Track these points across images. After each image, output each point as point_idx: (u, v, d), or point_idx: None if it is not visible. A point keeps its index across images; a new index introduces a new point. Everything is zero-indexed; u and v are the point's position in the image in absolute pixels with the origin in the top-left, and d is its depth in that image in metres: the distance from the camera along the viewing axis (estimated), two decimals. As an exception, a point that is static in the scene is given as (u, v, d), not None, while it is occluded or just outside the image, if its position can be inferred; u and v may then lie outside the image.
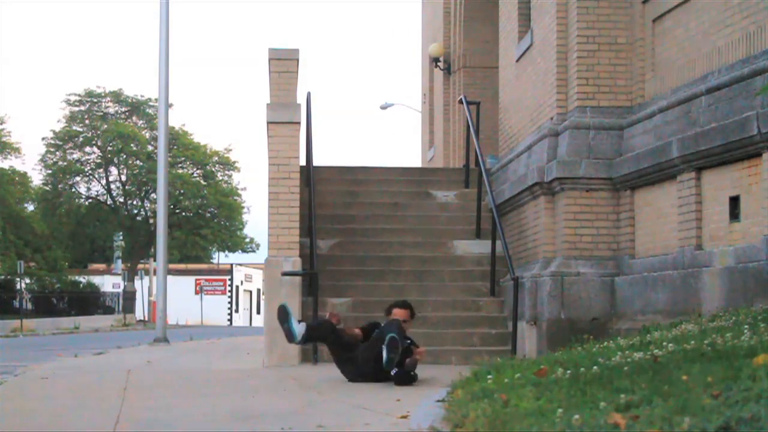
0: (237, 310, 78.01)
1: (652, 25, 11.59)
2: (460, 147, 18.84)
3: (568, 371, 6.27)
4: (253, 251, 69.74)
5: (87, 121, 64.23)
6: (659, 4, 11.44)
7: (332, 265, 13.87)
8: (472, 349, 12.40)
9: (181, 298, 65.42)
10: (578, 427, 4.19)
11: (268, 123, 13.00)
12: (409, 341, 9.59)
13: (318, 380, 9.82)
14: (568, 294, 11.54)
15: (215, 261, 78.82)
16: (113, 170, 64.94)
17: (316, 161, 15.05)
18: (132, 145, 63.31)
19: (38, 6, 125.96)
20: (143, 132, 64.80)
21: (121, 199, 65.46)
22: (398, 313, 9.82)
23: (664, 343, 7.14)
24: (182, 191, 63.30)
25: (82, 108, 64.41)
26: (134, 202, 66.12)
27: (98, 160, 64.50)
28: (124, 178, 65.03)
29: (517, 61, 14.44)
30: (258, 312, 77.22)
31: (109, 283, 68.51)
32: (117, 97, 65.14)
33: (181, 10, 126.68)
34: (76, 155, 64.38)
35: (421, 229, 14.83)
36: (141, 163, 63.69)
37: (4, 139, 56.93)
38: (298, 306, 12.46)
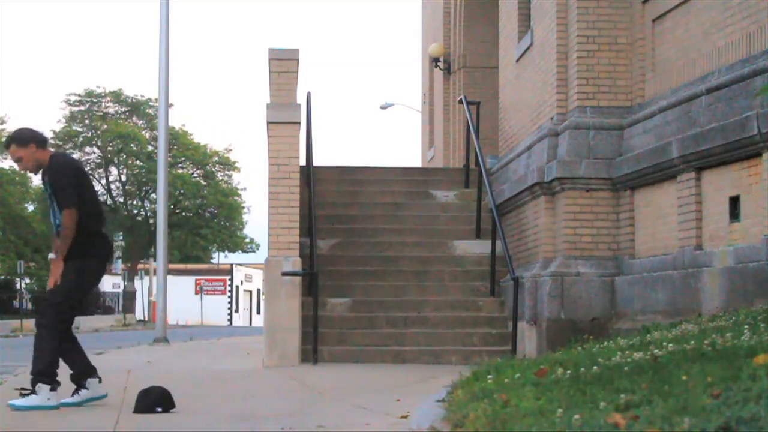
0: (237, 310, 77.98)
1: (652, 25, 11.58)
2: (460, 147, 18.83)
3: (568, 371, 6.27)
4: (253, 251, 69.74)
5: (87, 121, 64.20)
6: (659, 4, 11.44)
7: (332, 265, 13.87)
8: (472, 349, 12.40)
9: (181, 298, 65.36)
10: (578, 427, 4.18)
11: (268, 123, 13.01)
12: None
13: (318, 380, 9.83)
14: (568, 294, 11.53)
15: (215, 261, 78.79)
16: (113, 170, 64.93)
17: (316, 161, 15.05)
18: (132, 145, 63.28)
19: (38, 6, 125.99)
20: (143, 132, 64.75)
21: (121, 199, 65.42)
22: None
23: (664, 343, 7.14)
24: (182, 191, 63.28)
25: (82, 108, 64.37)
26: (134, 202, 66.08)
27: (98, 160, 64.47)
28: (124, 178, 65.01)
29: (517, 61, 14.44)
30: (258, 312, 77.11)
31: (109, 283, 68.45)
32: (117, 97, 65.09)
33: (181, 10, 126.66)
34: (76, 155, 64.30)
35: (421, 229, 14.83)
36: (141, 163, 63.67)
37: (4, 139, 56.93)
38: (298, 306, 12.46)
